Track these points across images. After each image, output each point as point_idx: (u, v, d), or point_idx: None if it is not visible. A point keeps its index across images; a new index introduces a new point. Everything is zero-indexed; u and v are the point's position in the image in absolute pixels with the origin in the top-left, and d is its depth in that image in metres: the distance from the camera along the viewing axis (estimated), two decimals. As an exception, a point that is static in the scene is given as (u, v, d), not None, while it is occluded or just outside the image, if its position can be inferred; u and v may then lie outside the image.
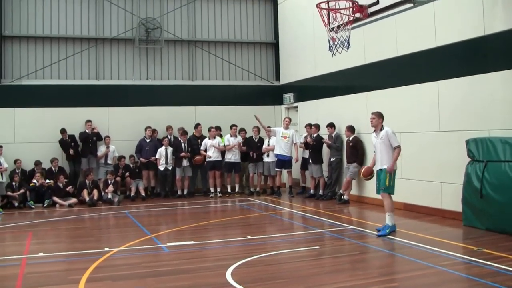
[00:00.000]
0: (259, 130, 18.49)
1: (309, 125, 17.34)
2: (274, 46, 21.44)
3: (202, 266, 8.75)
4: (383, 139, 10.75)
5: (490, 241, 9.83)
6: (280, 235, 11.35)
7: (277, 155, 17.57)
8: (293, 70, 20.04)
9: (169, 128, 18.62)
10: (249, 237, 11.04)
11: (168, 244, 10.38)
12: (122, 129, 18.62)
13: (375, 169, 11.08)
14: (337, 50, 11.02)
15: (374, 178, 11.24)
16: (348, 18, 10.77)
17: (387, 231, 10.64)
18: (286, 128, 17.51)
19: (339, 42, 10.90)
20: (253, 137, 18.56)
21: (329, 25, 11.15)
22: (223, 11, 20.87)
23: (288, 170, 17.62)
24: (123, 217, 14.39)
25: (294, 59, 20.02)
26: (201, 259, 9.39)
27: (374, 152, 11.11)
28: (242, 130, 18.61)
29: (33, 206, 15.96)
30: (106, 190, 16.68)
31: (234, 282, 7.53)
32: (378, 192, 11.10)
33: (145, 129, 18.29)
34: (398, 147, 10.74)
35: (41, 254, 9.71)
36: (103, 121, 18.42)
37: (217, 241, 11.00)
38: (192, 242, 10.58)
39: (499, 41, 11.20)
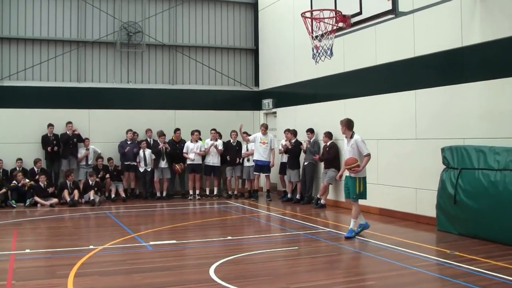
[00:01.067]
0: (237, 134, 18.79)
1: (287, 131, 17.71)
2: (254, 52, 21.80)
3: (185, 263, 9.07)
4: (353, 147, 11.10)
5: (462, 245, 10.18)
6: (259, 236, 11.69)
7: (255, 161, 17.77)
8: (273, 76, 20.37)
9: (148, 131, 18.90)
10: (229, 237, 11.37)
11: (151, 242, 10.62)
12: (102, 131, 18.81)
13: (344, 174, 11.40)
14: (320, 58, 11.33)
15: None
16: (332, 27, 11.08)
17: (353, 234, 10.99)
18: (264, 134, 17.65)
19: (322, 50, 11.21)
20: (231, 141, 18.87)
21: (313, 34, 11.45)
22: (204, 16, 21.17)
23: (266, 174, 17.90)
24: (105, 217, 14.62)
25: (273, 65, 20.36)
26: (184, 257, 9.70)
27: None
28: (218, 133, 18.94)
29: (14, 205, 16.10)
30: (90, 193, 16.96)
31: (218, 279, 7.80)
32: (348, 198, 11.45)
33: (127, 132, 18.49)
34: (368, 155, 11.05)
35: (28, 250, 9.94)
36: (84, 123, 18.59)
37: (198, 240, 11.26)
38: (174, 241, 10.85)
39: (476, 53, 11.61)
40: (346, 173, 11.34)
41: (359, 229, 11.10)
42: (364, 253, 9.80)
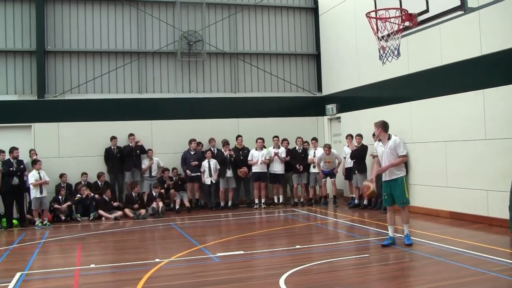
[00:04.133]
0: (302, 141, 18.42)
1: (350, 136, 17.30)
2: (316, 57, 21.36)
3: (254, 275, 8.68)
4: (392, 149, 10.55)
5: (538, 247, 9.64)
6: (328, 244, 11.24)
7: (322, 171, 17.62)
8: (335, 81, 19.90)
9: (211, 140, 18.64)
10: (297, 246, 10.93)
11: (218, 254, 10.27)
12: (165, 142, 18.67)
13: (383, 178, 10.75)
14: (387, 59, 10.82)
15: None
16: (398, 27, 10.56)
17: (411, 241, 10.53)
18: (328, 154, 17.40)
19: (389, 51, 10.70)
20: (297, 148, 18.44)
21: (378, 34, 10.93)
22: (264, 23, 20.87)
23: (332, 179, 17.50)
24: (169, 228, 14.41)
25: (336, 70, 19.91)
26: (252, 268, 9.31)
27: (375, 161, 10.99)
28: (285, 140, 18.57)
29: (79, 219, 16.07)
30: (157, 201, 16.83)
31: (289, 290, 7.41)
32: (388, 205, 10.85)
33: (190, 142, 18.26)
34: (405, 156, 10.61)
35: (92, 265, 9.74)
36: (146, 134, 18.49)
37: (266, 250, 10.89)
38: (241, 252, 10.52)
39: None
40: (384, 178, 10.78)
41: (389, 241, 10.57)
42: (437, 258, 9.23)
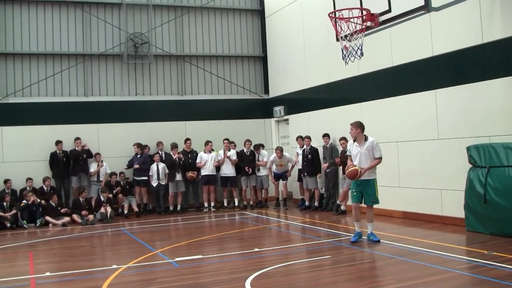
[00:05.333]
0: (251, 144, 18.42)
1: (300, 137, 17.37)
2: (262, 59, 21.39)
3: (218, 279, 8.55)
4: (369, 150, 10.78)
5: (497, 244, 9.87)
6: (286, 246, 11.25)
7: (274, 173, 17.82)
8: (283, 83, 19.96)
9: (159, 143, 18.42)
10: (256, 249, 10.86)
11: (176, 259, 10.11)
12: (112, 145, 18.34)
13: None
14: (350, 59, 10.93)
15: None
16: (361, 27, 10.67)
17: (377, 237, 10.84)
18: (280, 157, 17.44)
19: (353, 51, 10.80)
20: (245, 150, 18.43)
21: (341, 34, 10.99)
22: (210, 25, 20.77)
23: (283, 182, 17.56)
24: (121, 234, 14.16)
25: (283, 72, 19.97)
26: (215, 272, 9.18)
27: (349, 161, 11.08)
28: (232, 142, 18.52)
29: (25, 226, 15.58)
30: (105, 206, 16.50)
31: (257, 294, 7.37)
32: (357, 202, 11.02)
33: (136, 146, 18.03)
34: (380, 158, 10.81)
35: (48, 273, 9.41)
36: (93, 138, 18.11)
37: (225, 254, 10.79)
38: (200, 256, 10.42)
39: (498, 49, 11.28)
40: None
41: (357, 237, 10.91)
42: (400, 258, 9.35)
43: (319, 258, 9.80)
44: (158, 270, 9.47)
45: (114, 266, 9.63)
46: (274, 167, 17.64)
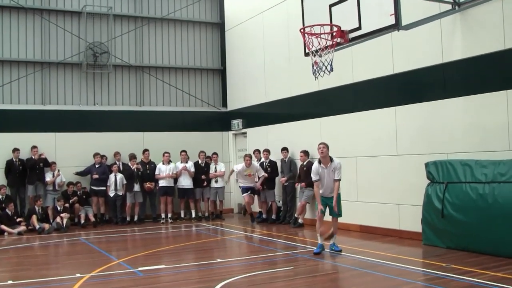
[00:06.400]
0: (205, 155, 18.58)
1: (257, 151, 17.55)
2: (221, 72, 21.54)
3: (186, 288, 8.63)
4: (334, 170, 11.11)
5: (454, 257, 10.15)
6: (248, 257, 11.39)
7: (242, 186, 17.02)
8: (242, 96, 20.13)
9: (117, 154, 18.35)
10: (218, 260, 10.99)
11: (140, 268, 10.13)
12: (69, 155, 18.11)
13: (323, 195, 11.26)
14: (319, 74, 11.16)
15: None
16: (332, 42, 10.92)
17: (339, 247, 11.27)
18: (248, 165, 16.67)
19: (323, 66, 11.01)
20: (199, 162, 18.53)
21: (312, 49, 11.19)
22: (170, 37, 20.85)
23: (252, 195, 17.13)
24: (80, 243, 14.07)
25: (242, 86, 20.14)
26: (181, 281, 9.20)
27: (316, 181, 11.27)
28: (184, 151, 18.52)
29: (-20, 234, 15.35)
30: (62, 215, 16.24)
31: (226, 303, 7.48)
32: (333, 215, 11.38)
33: (94, 156, 17.92)
34: (339, 180, 11.19)
35: (10, 282, 9.32)
36: (50, 146, 17.88)
37: (188, 264, 10.92)
38: (163, 266, 10.47)
39: (457, 69, 11.69)
40: (324, 194, 11.32)
41: (320, 249, 11.20)
42: (362, 270, 9.55)
43: (282, 269, 9.94)
44: (123, 279, 9.48)
45: (78, 275, 9.59)
46: (240, 180, 17.20)
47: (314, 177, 11.24)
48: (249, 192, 16.83)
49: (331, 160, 11.17)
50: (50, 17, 18.85)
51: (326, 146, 11.18)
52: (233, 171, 17.38)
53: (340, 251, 11.07)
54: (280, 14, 17.46)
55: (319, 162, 11.20)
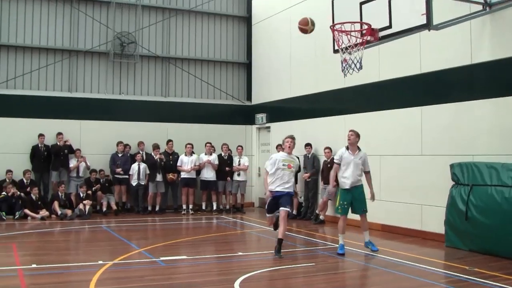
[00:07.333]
0: (228, 148, 18.67)
1: (280, 146, 17.48)
2: (247, 66, 21.58)
3: (207, 280, 8.62)
4: (361, 160, 11.00)
5: (476, 261, 10.05)
6: (269, 252, 11.24)
7: (276, 192, 10.81)
8: (266, 91, 20.16)
9: (140, 143, 18.47)
10: (239, 253, 11.06)
11: (162, 258, 10.20)
12: (93, 143, 18.30)
13: (345, 186, 10.97)
14: (348, 71, 11.13)
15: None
16: (361, 40, 10.88)
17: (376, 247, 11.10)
18: (290, 152, 11.00)
19: (352, 63, 10.97)
20: (222, 155, 18.59)
21: (342, 46, 11.14)
22: (197, 29, 20.92)
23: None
24: (101, 231, 14.19)
25: (267, 80, 20.16)
26: (203, 273, 9.25)
27: (337, 164, 11.10)
28: (212, 147, 18.70)
29: (4, 218, 15.52)
30: (85, 202, 16.40)
31: (246, 296, 7.51)
32: (345, 213, 11.11)
33: (117, 144, 18.05)
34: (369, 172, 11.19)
35: (34, 265, 9.45)
36: (75, 134, 18.05)
37: (209, 256, 10.97)
38: (185, 257, 10.54)
39: (485, 71, 11.58)
40: (345, 186, 11.08)
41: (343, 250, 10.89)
42: (383, 269, 9.51)
43: (304, 265, 9.93)
44: (145, 268, 9.54)
45: (100, 262, 9.66)
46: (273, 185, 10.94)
47: (336, 160, 11.12)
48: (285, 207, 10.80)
49: (359, 149, 11.08)
50: (79, 6, 19.02)
51: (355, 133, 11.00)
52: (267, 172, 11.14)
53: (377, 250, 10.93)
54: (308, 10, 17.36)
55: (347, 148, 11.09)
